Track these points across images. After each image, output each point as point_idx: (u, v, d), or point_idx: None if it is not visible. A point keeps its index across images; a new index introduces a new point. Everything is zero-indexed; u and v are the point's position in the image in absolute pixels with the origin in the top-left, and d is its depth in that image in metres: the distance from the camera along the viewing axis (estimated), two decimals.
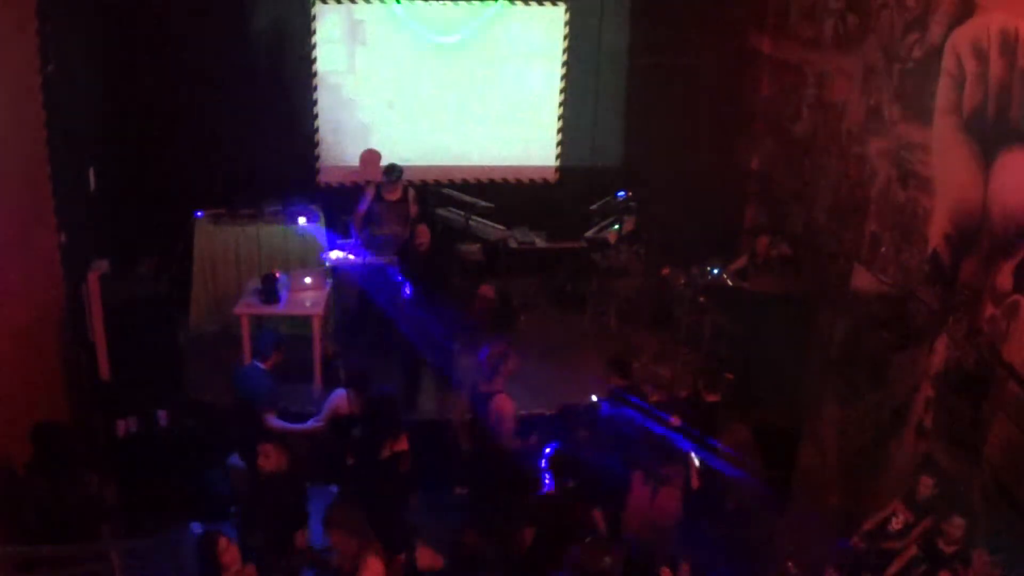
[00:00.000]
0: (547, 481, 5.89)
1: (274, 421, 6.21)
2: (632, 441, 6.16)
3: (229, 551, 4.77)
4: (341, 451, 5.90)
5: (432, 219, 8.77)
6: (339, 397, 6.21)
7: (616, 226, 8.77)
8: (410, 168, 9.24)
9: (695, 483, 5.89)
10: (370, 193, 8.08)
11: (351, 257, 8.00)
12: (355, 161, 9.02)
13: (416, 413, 7.30)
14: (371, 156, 8.77)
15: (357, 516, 4.77)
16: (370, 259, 7.94)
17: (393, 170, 8.02)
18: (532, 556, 5.29)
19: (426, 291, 7.42)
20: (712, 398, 6.29)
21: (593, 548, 4.99)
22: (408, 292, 7.43)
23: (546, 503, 5.67)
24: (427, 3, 8.92)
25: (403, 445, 5.55)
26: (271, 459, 5.37)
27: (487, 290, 8.02)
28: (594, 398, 6.55)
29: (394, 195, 8.03)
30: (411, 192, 8.19)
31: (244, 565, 4.85)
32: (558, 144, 9.58)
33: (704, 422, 6.20)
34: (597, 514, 5.59)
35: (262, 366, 6.25)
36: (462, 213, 8.85)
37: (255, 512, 5.42)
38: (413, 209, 8.15)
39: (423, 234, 7.47)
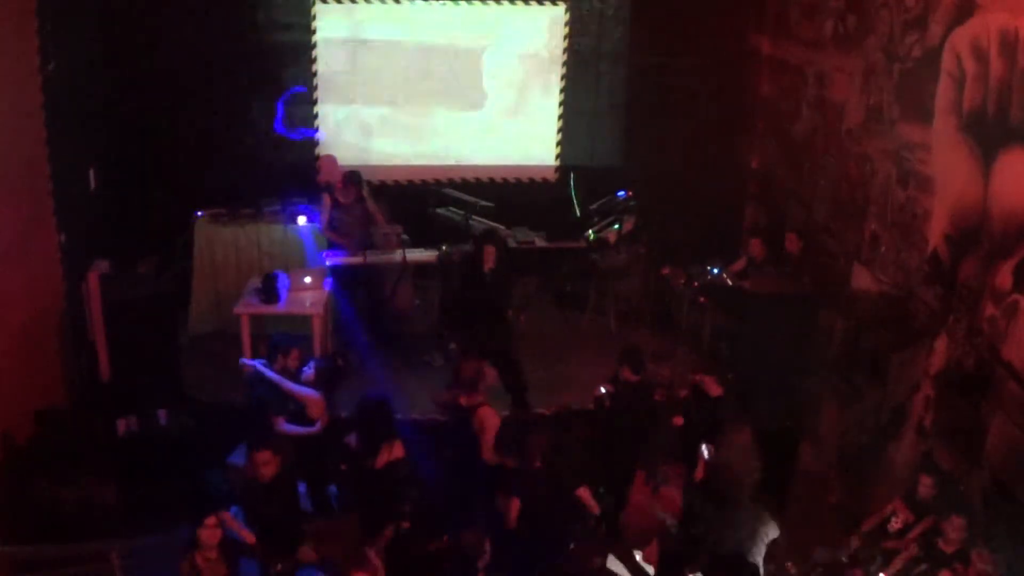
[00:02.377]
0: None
1: (284, 426, 6.13)
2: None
3: (211, 531, 4.76)
4: (334, 452, 5.88)
5: (434, 218, 8.78)
6: (316, 398, 6.15)
7: (616, 226, 8.77)
8: (411, 168, 9.32)
9: (699, 474, 5.85)
10: (327, 199, 8.04)
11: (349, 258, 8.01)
12: (356, 161, 9.01)
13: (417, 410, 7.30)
14: (329, 161, 8.74)
15: (343, 529, 4.72)
16: (370, 258, 7.97)
17: (349, 176, 7.98)
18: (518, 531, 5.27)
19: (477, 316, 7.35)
20: (716, 391, 6.28)
21: (584, 549, 4.99)
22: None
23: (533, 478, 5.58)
24: (428, 3, 8.92)
25: (399, 452, 5.47)
26: (271, 465, 5.33)
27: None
28: (602, 389, 6.52)
29: (348, 198, 7.99)
30: (365, 189, 8.13)
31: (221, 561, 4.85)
32: (558, 144, 9.58)
33: (709, 416, 6.15)
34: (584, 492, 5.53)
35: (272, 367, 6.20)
36: (462, 212, 8.85)
37: (257, 519, 5.39)
38: (371, 205, 8.12)
39: (490, 257, 7.25)
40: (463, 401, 5.89)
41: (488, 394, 5.99)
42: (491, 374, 6.03)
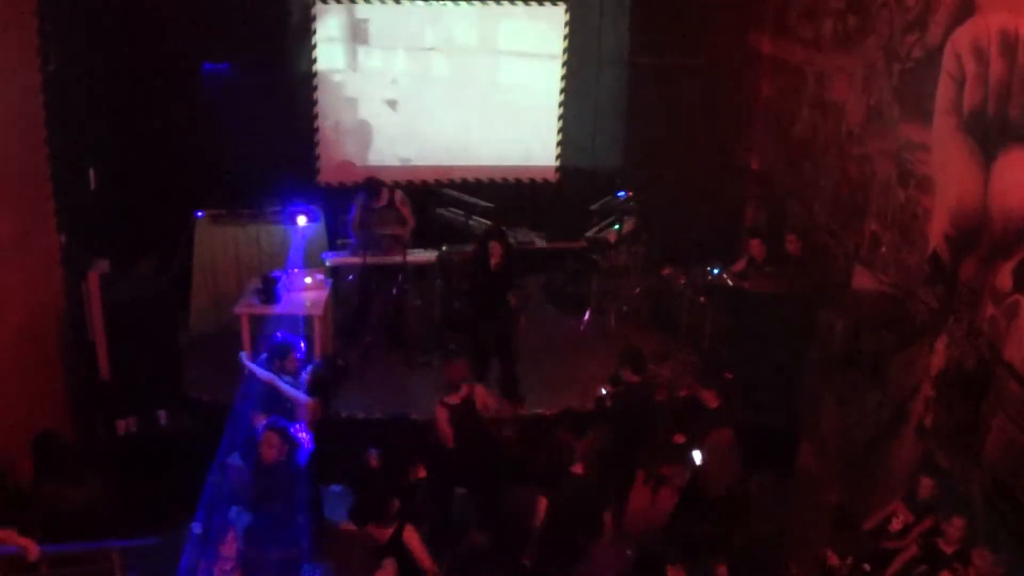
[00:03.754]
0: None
1: (247, 362, 6.18)
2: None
3: (228, 543, 4.76)
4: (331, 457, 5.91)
5: (435, 218, 8.80)
6: (305, 403, 6.13)
7: (616, 226, 8.76)
8: (411, 168, 9.32)
9: (681, 480, 5.94)
10: (358, 201, 8.10)
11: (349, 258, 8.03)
12: (356, 160, 9.04)
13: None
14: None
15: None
16: (371, 258, 7.97)
17: (370, 185, 8.07)
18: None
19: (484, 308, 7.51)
20: (714, 404, 6.28)
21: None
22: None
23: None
24: (427, 3, 8.91)
25: (422, 473, 5.57)
26: (272, 449, 5.35)
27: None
28: (603, 390, 6.55)
29: (380, 202, 8.07)
30: (398, 194, 8.19)
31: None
32: (558, 144, 9.58)
33: (706, 427, 6.14)
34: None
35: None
36: (462, 213, 8.84)
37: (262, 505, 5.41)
38: (404, 211, 8.16)
39: (496, 252, 7.44)
40: (455, 400, 6.02)
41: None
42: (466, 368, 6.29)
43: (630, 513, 6.20)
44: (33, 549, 4.53)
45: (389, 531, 4.90)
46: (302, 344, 6.42)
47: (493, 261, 7.41)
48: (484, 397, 6.25)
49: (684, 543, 5.56)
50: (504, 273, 7.49)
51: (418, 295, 8.43)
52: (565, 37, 9.24)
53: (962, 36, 5.78)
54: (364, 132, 9.23)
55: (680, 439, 6.17)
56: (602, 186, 9.04)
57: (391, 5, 8.93)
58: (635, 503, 6.21)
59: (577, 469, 5.56)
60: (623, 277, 8.80)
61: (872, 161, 6.93)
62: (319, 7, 8.79)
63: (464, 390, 6.08)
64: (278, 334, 6.55)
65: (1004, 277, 5.36)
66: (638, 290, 8.82)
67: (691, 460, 5.91)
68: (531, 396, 7.48)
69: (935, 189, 6.10)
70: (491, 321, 7.50)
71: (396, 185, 8.35)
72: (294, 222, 8.31)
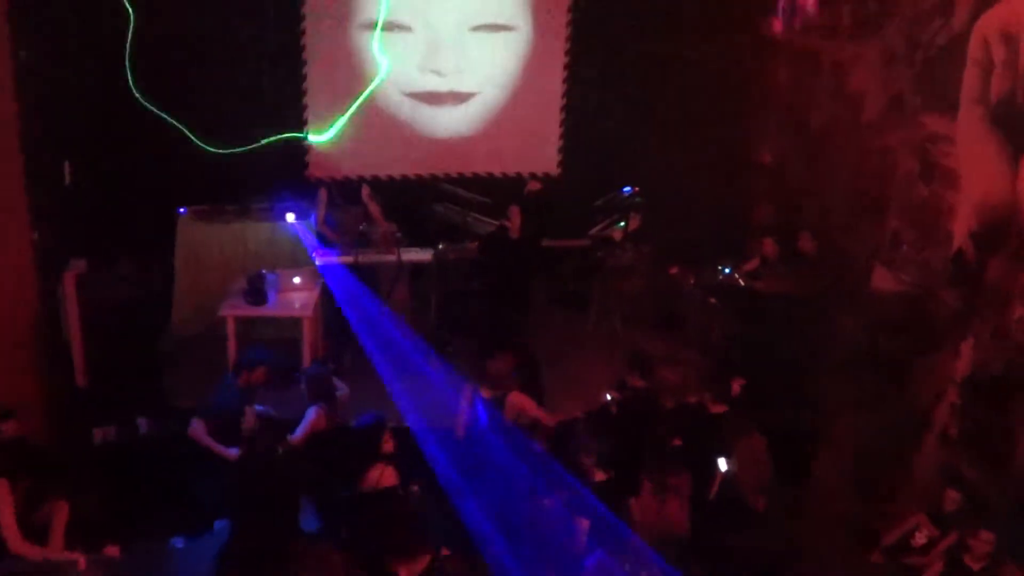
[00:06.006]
0: None
1: (199, 431, 6.01)
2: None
3: None
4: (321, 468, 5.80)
5: (431, 215, 8.70)
6: (314, 414, 6.03)
7: (622, 223, 8.66)
8: (409, 164, 9.24)
9: (713, 490, 5.76)
10: (323, 195, 8.06)
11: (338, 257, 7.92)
12: (353, 158, 8.95)
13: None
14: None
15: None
16: (363, 257, 7.87)
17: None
18: None
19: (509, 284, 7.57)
20: (717, 409, 6.15)
21: None
22: None
23: None
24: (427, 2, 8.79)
25: (390, 479, 5.40)
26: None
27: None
28: (608, 396, 6.44)
29: (347, 198, 8.07)
30: (365, 189, 8.15)
31: None
32: (561, 136, 9.46)
33: (709, 433, 6.05)
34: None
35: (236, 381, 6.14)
36: (459, 210, 8.74)
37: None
38: (372, 207, 8.08)
39: (515, 216, 7.53)
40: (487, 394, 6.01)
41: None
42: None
43: (639, 523, 6.02)
44: (82, 561, 4.98)
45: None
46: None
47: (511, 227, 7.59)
48: (523, 404, 6.03)
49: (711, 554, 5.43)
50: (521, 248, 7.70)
51: (414, 295, 8.32)
52: (567, 25, 9.08)
53: (990, 21, 5.72)
54: (359, 128, 9.01)
55: (677, 442, 6.05)
56: (607, 181, 8.89)
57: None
58: (641, 514, 6.03)
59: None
60: (629, 277, 8.66)
61: (893, 154, 6.85)
62: (309, 1, 8.57)
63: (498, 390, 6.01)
64: (250, 350, 6.46)
65: None
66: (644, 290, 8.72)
67: (717, 467, 5.77)
68: None
69: (960, 183, 6.06)
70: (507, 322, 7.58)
71: (391, 180, 8.21)
72: (283, 219, 8.19)
